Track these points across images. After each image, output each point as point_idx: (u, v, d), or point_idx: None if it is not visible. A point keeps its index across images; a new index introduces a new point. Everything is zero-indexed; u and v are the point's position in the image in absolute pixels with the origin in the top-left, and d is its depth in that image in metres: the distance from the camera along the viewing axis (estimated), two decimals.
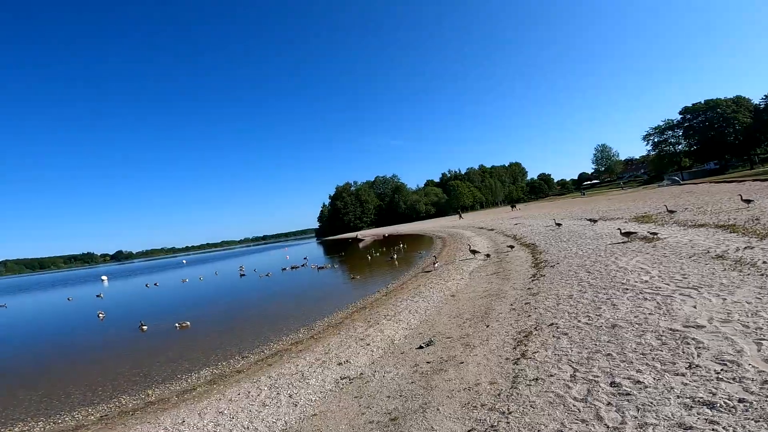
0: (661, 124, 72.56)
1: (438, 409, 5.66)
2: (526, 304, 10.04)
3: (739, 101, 63.98)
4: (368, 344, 9.94)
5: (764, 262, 8.83)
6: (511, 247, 21.71)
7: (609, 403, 4.57)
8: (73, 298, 37.56)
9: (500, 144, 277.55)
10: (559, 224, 27.29)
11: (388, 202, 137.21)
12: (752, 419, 3.61)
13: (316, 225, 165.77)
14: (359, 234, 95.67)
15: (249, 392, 8.17)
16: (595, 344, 6.37)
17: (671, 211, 21.52)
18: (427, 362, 7.72)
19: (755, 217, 15.13)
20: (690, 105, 67.89)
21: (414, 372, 7.38)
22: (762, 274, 8.02)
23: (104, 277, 67.60)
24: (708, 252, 11.02)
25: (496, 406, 5.26)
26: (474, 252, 22.27)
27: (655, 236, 15.03)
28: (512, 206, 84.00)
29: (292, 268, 37.07)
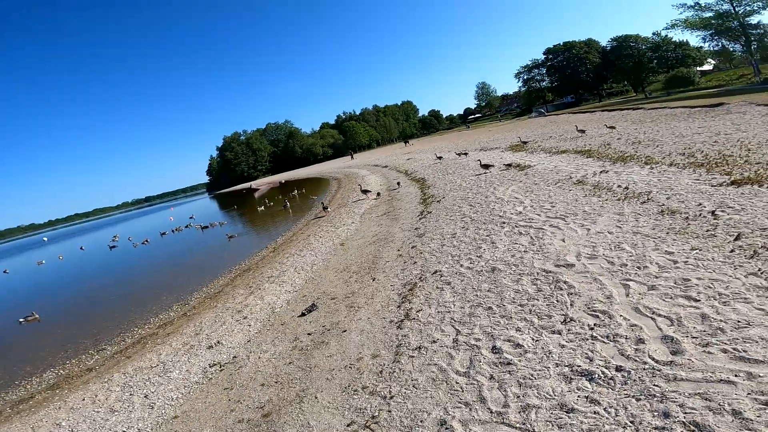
0: (529, 63, 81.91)
1: (316, 397, 4.92)
2: (412, 248, 9.67)
3: (590, 43, 72.96)
4: (245, 317, 8.82)
5: (618, 186, 9.46)
6: (399, 184, 21.69)
7: (491, 377, 4.15)
8: None
9: (392, 85, 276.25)
10: (440, 157, 28.05)
11: (283, 148, 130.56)
12: (633, 396, 3.32)
13: (206, 179, 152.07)
14: (253, 183, 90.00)
15: (96, 396, 6.77)
16: (476, 294, 6.07)
17: (524, 142, 23.63)
18: (308, 334, 6.91)
19: (606, 142, 16.68)
20: (551, 46, 77.05)
21: (293, 348, 6.53)
22: (618, 199, 8.51)
23: None
24: (570, 177, 11.69)
25: (378, 389, 4.65)
26: (365, 192, 21.75)
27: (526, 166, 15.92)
28: (405, 142, 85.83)
29: (175, 230, 33.18)
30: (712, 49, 49.92)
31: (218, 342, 7.79)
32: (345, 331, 6.54)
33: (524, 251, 7.07)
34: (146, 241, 30.40)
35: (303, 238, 15.73)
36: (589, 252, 6.28)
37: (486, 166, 17.31)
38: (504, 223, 9.01)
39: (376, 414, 4.23)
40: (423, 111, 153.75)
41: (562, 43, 74.56)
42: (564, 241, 6.99)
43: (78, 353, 9.87)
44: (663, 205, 7.42)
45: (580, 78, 71.48)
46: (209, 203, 76.58)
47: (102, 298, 15.34)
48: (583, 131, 21.34)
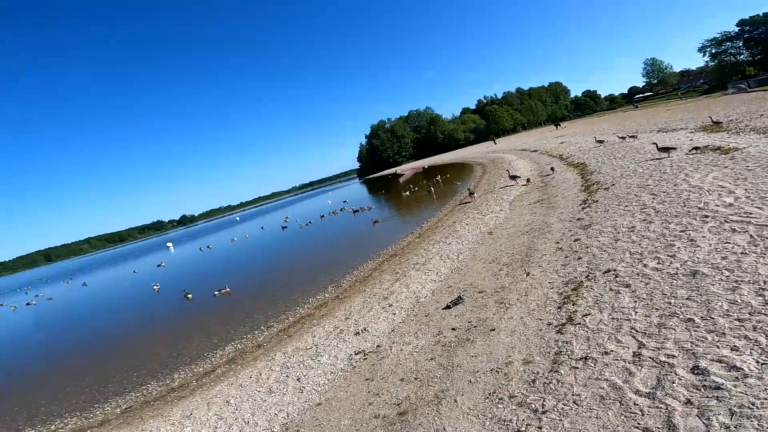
0: (718, 36, 68.57)
1: (455, 400, 4.63)
2: (575, 240, 8.46)
3: None
4: (391, 304, 9.01)
5: None
6: (552, 169, 19.45)
7: (688, 402, 3.23)
8: (138, 270, 40.00)
9: (536, 67, 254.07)
10: (600, 141, 23.82)
11: (425, 134, 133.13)
12: None
13: (356, 165, 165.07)
14: (398, 169, 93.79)
15: (260, 374, 7.63)
16: (669, 303, 4.85)
17: (717, 122, 18.24)
18: (453, 329, 6.61)
19: None
20: (747, 18, 63.69)
21: (436, 343, 6.33)
22: None
23: (169, 244, 72.08)
24: None
25: (528, 400, 4.10)
26: (513, 177, 20.25)
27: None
28: (556, 125, 77.73)
29: (332, 213, 36.83)
30: None
31: (365, 329, 8.10)
32: (493, 330, 6.03)
33: (742, 253, 5.38)
34: (309, 222, 34.50)
35: (448, 225, 15.49)
36: None
37: (665, 150, 14.20)
38: (706, 217, 7.09)
39: (523, 429, 3.69)
40: (576, 92, 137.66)
41: (762, 14, 60.85)
42: None
43: (253, 329, 11.38)
44: None
45: None
46: (360, 188, 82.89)
47: (274, 276, 17.78)
48: None
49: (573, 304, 5.77)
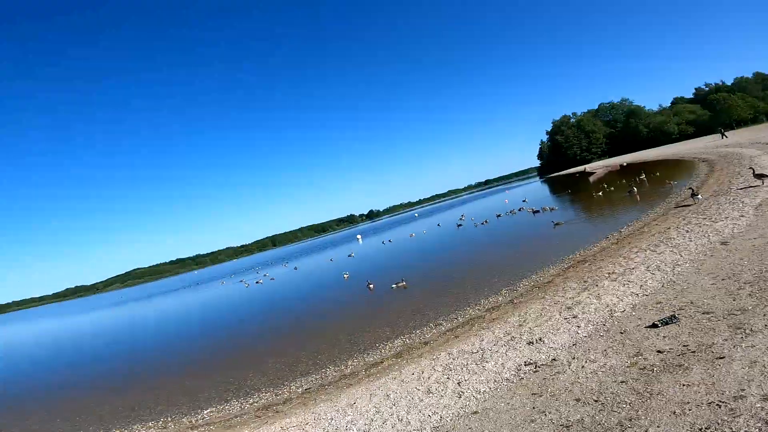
0: None
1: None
2: None
3: None
4: (575, 315, 7.78)
5: None
6: None
7: None
8: (333, 258, 46.01)
9: None
10: None
11: (622, 128, 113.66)
12: None
13: (536, 163, 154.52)
14: (588, 167, 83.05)
15: (422, 372, 7.55)
16: None
17: None
18: (658, 351, 5.27)
19: None
20: None
21: (631, 365, 5.15)
22: None
23: (359, 236, 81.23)
24: None
25: None
26: (760, 176, 15.12)
27: None
28: None
29: (510, 213, 35.12)
30: None
31: (540, 339, 7.19)
32: (722, 357, 4.59)
33: None
34: (485, 221, 33.67)
35: (659, 231, 12.63)
36: None
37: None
38: None
39: None
40: None
41: None
42: None
43: (421, 324, 11.48)
44: None
45: None
46: (540, 187, 76.97)
47: (447, 274, 17.72)
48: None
49: None
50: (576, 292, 9.29)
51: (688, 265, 8.50)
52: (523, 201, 43.09)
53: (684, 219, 13.16)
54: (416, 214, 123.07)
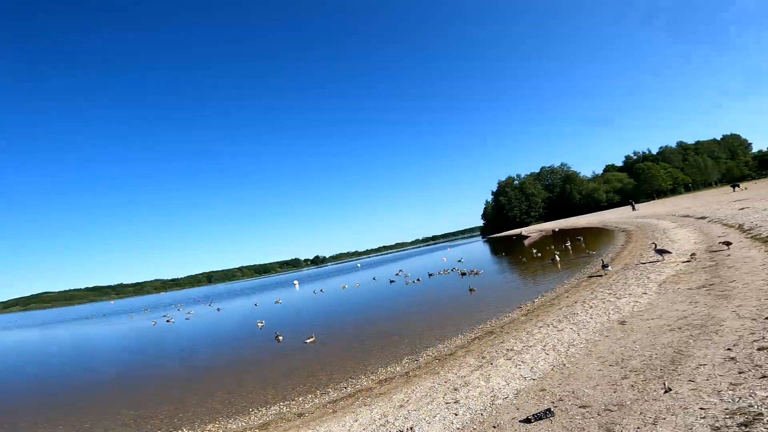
0: None
1: None
2: (760, 350, 5.16)
3: None
4: (457, 401, 6.83)
5: None
6: (727, 244, 14.37)
7: None
8: (259, 303, 43.02)
9: (703, 117, 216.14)
10: None
11: (559, 193, 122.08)
12: None
13: (481, 223, 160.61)
14: (524, 230, 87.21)
15: None
16: None
17: None
18: None
19: None
20: None
21: None
22: None
23: (296, 282, 77.83)
24: None
25: None
26: (661, 252, 15.66)
27: None
28: (733, 186, 62.64)
29: (443, 272, 34.76)
30: None
31: (411, 428, 6.07)
32: None
33: None
34: (418, 279, 32.92)
35: (567, 305, 12.26)
36: None
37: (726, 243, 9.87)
38: None
39: None
40: (759, 146, 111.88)
41: None
42: None
43: (308, 391, 10.24)
44: None
45: None
46: (481, 247, 78.78)
47: (361, 331, 16.34)
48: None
49: None
50: (470, 369, 8.32)
51: (582, 346, 7.85)
52: (459, 261, 43.23)
53: (592, 292, 12.97)
54: (359, 265, 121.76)
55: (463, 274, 29.75)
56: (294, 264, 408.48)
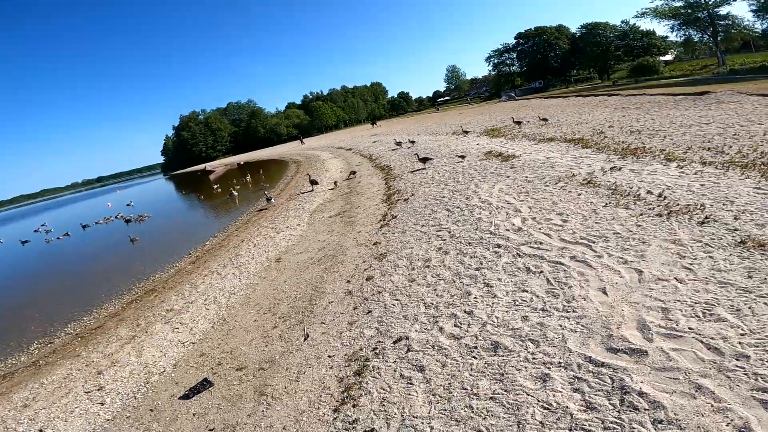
0: (500, 47, 79.63)
1: None
2: (367, 279, 6.72)
3: (560, 29, 71.70)
4: (101, 386, 5.75)
5: (648, 192, 6.89)
6: (353, 173, 18.83)
7: None
8: None
9: (362, 66, 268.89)
10: (412, 142, 23.90)
11: (245, 128, 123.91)
12: None
13: (162, 159, 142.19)
14: (208, 165, 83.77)
15: None
16: (471, 408, 3.24)
17: (518, 122, 20.93)
18: None
19: (599, 130, 14.37)
20: (522, 31, 75.45)
21: None
22: (658, 214, 5.91)
23: None
24: (573, 175, 9.12)
25: None
26: (313, 183, 18.68)
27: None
28: (373, 123, 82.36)
29: (105, 221, 28.66)
30: (678, 39, 49.32)
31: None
32: None
33: (543, 309, 4.33)
34: (67, 234, 25.83)
35: (234, 245, 12.44)
36: (662, 323, 3.60)
37: (424, 160, 15.34)
38: (499, 246, 6.24)
39: None
40: (392, 93, 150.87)
41: (533, 28, 73.72)
42: (606, 292, 4.30)
43: None
44: (736, 229, 4.87)
45: (549, 63, 71.15)
46: (164, 185, 70.39)
47: None
48: (545, 120, 19.82)
49: (353, 406, 3.82)
50: (121, 343, 7.13)
51: (242, 293, 8.03)
52: (128, 205, 36.67)
53: (257, 229, 13.68)
54: None
55: (128, 221, 25.48)
56: None
